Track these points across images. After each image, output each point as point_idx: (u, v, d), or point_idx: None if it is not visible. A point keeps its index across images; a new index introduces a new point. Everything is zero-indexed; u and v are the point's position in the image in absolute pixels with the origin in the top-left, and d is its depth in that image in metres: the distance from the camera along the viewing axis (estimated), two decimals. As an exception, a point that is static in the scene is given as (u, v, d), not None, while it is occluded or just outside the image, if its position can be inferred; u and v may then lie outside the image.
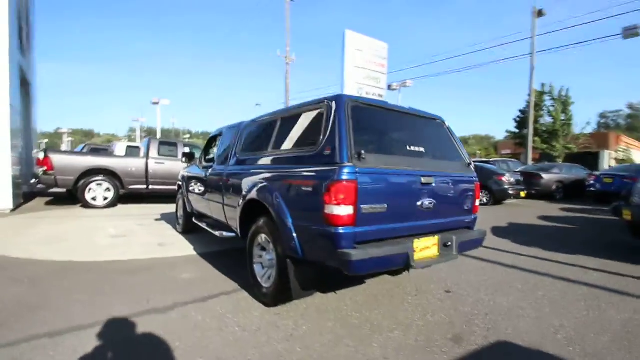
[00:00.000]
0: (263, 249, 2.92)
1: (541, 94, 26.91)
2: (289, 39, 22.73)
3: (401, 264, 2.24)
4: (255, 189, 2.83)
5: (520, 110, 27.81)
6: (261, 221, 2.82)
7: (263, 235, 2.84)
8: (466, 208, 2.92)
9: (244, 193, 3.07)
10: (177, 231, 5.58)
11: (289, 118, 2.93)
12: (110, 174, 8.20)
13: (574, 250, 4.83)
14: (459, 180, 2.84)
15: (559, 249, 4.88)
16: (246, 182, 3.10)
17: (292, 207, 2.40)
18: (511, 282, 3.50)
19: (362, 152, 2.14)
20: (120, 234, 5.28)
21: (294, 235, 2.35)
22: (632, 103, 55.68)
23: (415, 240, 2.37)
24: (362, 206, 2.09)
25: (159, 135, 30.57)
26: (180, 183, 5.47)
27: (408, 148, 2.66)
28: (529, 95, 28.22)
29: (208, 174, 4.17)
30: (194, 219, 4.84)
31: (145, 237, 5.21)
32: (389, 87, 21.74)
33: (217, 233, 3.86)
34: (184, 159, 4.98)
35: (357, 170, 2.09)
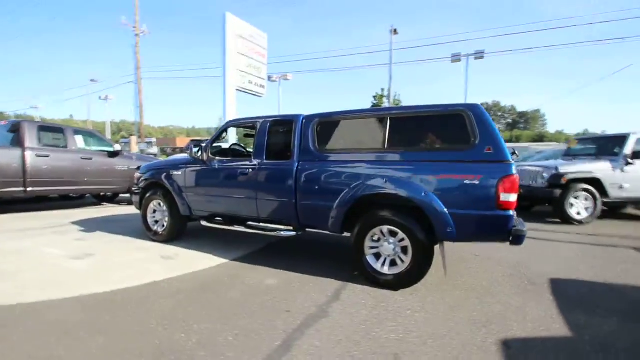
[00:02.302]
0: (377, 240, 3.14)
1: (382, 97, 33.06)
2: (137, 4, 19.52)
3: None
4: (384, 184, 3.00)
5: (368, 109, 33.22)
6: (381, 214, 3.04)
7: (384, 227, 3.07)
8: None
9: (351, 189, 3.15)
10: (156, 241, 4.60)
11: (404, 119, 3.19)
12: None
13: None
14: None
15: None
16: (353, 178, 3.18)
17: (447, 198, 2.79)
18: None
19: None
20: (79, 255, 3.98)
21: (451, 221, 2.76)
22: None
23: None
24: None
25: None
26: (162, 180, 4.51)
27: None
28: (374, 97, 33.98)
29: (254, 169, 3.77)
30: (203, 222, 4.20)
31: (127, 253, 4.12)
32: (269, 79, 21.97)
33: (273, 233, 3.66)
34: (196, 150, 4.14)
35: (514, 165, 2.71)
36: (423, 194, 2.85)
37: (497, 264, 3.86)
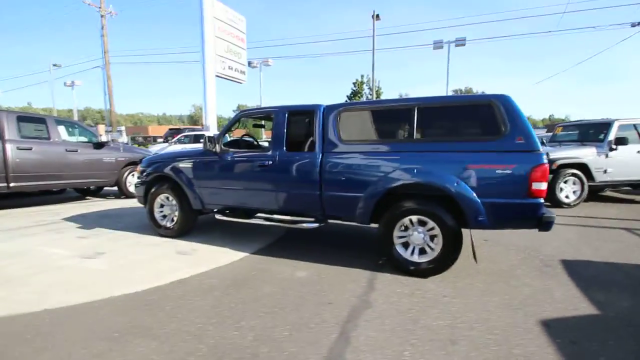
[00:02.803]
0: (405, 229, 3.20)
1: (362, 83, 33.12)
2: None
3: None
4: (416, 174, 3.04)
5: (348, 96, 33.20)
6: (411, 204, 3.11)
7: (413, 217, 3.13)
8: None
9: (381, 180, 3.18)
10: (165, 236, 4.45)
11: (433, 109, 3.21)
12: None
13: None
14: None
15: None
16: (382, 169, 3.20)
17: (479, 187, 2.87)
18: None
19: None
20: (90, 255, 3.79)
21: (483, 210, 2.86)
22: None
23: None
24: None
25: None
26: (170, 173, 4.34)
27: None
28: (354, 84, 33.99)
29: (274, 160, 3.69)
30: (217, 215, 4.10)
31: (139, 250, 3.96)
32: (249, 64, 21.36)
33: (295, 225, 3.64)
34: (208, 144, 3.99)
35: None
36: (455, 184, 2.92)
37: (507, 249, 4.06)
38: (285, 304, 2.64)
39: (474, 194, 2.89)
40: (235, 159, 3.99)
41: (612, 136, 6.48)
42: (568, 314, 2.53)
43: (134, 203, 7.04)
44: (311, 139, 3.59)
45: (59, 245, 4.08)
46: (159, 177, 4.51)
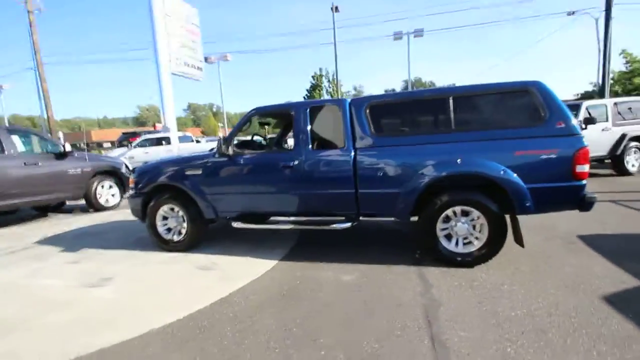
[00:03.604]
0: (447, 220, 3.16)
1: (321, 76, 33.09)
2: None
3: None
4: (459, 164, 2.99)
5: (307, 90, 33.03)
6: (452, 195, 3.07)
7: (456, 208, 3.10)
8: None
9: (422, 173, 3.10)
10: (173, 250, 4.01)
11: (468, 98, 3.17)
12: None
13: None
14: None
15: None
16: (421, 162, 3.11)
17: (525, 173, 2.89)
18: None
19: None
20: (94, 282, 3.30)
21: (529, 195, 2.89)
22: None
23: None
24: None
25: None
26: (174, 182, 3.91)
27: None
28: (313, 77, 33.87)
29: (300, 160, 3.45)
30: (235, 224, 3.76)
31: (151, 270, 3.52)
32: (206, 60, 20.20)
33: (326, 226, 3.45)
34: (223, 147, 3.61)
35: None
36: (502, 172, 2.92)
37: (526, 229, 4.19)
38: (354, 313, 2.47)
39: (521, 181, 2.91)
40: (253, 160, 3.68)
41: (581, 117, 7.04)
42: (619, 287, 2.65)
43: (109, 216, 6.36)
44: (339, 134, 3.40)
45: (50, 275, 3.50)
46: (159, 187, 4.04)
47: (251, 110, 3.85)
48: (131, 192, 4.23)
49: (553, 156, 2.88)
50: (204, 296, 2.83)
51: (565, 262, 3.16)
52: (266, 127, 4.77)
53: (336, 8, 19.34)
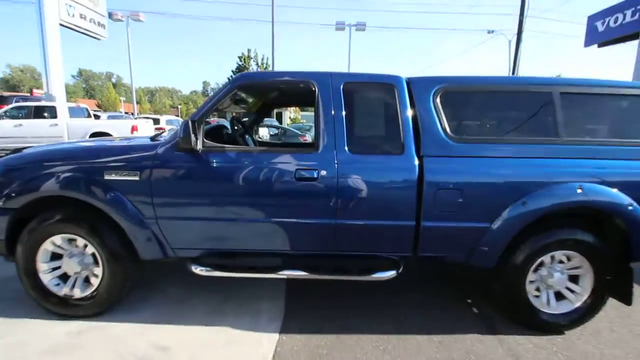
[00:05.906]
0: (535, 270, 2.22)
1: (249, 58, 30.41)
2: None
3: None
4: (579, 191, 2.03)
5: (233, 71, 30.07)
6: (558, 235, 2.14)
7: (557, 253, 2.18)
8: None
9: (521, 200, 2.07)
10: (70, 315, 2.22)
11: (582, 96, 2.19)
12: None
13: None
14: None
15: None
16: (521, 184, 2.08)
17: None
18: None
19: None
20: None
21: None
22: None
23: None
24: None
25: None
26: (80, 191, 2.13)
27: None
28: (240, 58, 31.27)
29: (329, 169, 2.09)
30: (196, 268, 2.20)
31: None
32: (111, 16, 16.17)
33: (371, 276, 2.22)
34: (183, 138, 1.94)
35: None
36: (630, 207, 2.06)
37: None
38: None
39: (649, 218, 2.09)
40: (241, 163, 2.15)
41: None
42: None
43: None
44: (393, 132, 2.14)
45: None
46: (45, 199, 2.19)
47: (236, 79, 2.27)
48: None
49: None
50: None
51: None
52: (242, 107, 3.14)
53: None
